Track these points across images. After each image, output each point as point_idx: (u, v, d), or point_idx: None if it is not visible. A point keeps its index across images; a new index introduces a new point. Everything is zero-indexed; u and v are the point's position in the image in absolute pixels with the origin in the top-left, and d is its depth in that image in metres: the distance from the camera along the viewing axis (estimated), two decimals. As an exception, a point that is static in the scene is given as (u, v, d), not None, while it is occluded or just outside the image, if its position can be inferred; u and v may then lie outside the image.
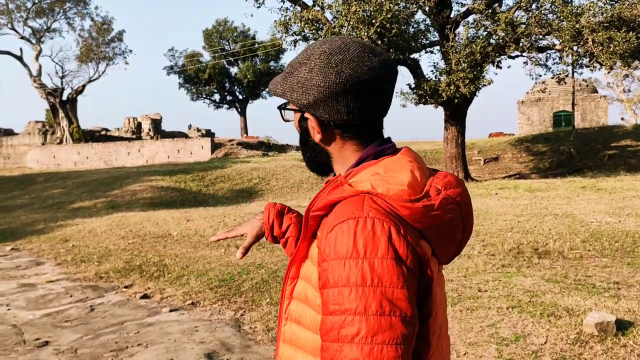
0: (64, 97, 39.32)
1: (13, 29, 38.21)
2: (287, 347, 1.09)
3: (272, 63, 51.37)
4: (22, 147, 39.35)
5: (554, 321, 4.10)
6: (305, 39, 15.64)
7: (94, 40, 40.46)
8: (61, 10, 39.36)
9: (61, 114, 38.68)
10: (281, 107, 1.15)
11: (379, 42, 14.76)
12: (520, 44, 15.47)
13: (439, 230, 1.00)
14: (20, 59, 38.41)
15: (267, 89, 51.93)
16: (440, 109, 17.12)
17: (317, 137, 1.10)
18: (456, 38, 15.76)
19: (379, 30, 14.25)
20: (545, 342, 3.76)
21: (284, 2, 17.13)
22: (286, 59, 52.96)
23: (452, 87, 14.90)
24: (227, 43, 51.50)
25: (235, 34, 51.07)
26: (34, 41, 39.02)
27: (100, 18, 40.76)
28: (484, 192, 13.94)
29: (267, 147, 38.91)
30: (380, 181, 0.98)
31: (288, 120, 1.16)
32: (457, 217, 1.03)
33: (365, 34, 14.08)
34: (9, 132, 42.34)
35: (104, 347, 4.45)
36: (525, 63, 17.11)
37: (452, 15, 16.61)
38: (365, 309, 0.89)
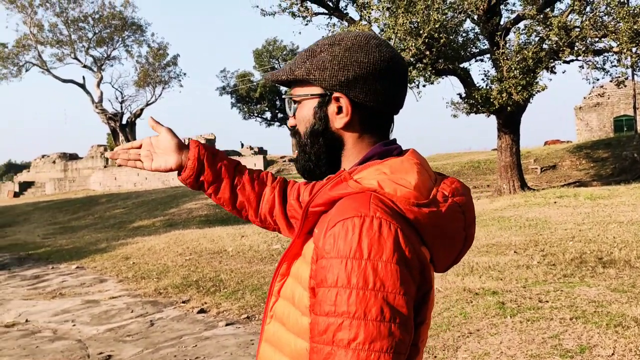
0: (124, 121, 41.05)
1: (76, 58, 40.34)
2: (267, 346, 1.05)
3: (320, 79, 51.86)
4: (86, 170, 41.25)
5: (621, 332, 3.89)
6: (353, 53, 15.76)
7: (151, 65, 42.13)
8: (120, 39, 41.29)
9: (121, 137, 40.35)
10: (287, 97, 1.09)
11: (427, 52, 14.65)
12: (575, 48, 14.97)
13: (442, 237, 0.95)
14: (83, 86, 40.46)
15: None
16: (493, 117, 16.75)
17: (340, 122, 1.03)
18: (507, 45, 15.44)
19: (426, 40, 14.15)
20: (613, 354, 3.57)
21: (331, 18, 17.32)
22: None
23: (504, 95, 14.55)
24: (276, 62, 52.44)
25: (284, 53, 51.96)
26: (95, 69, 41.04)
27: (156, 44, 42.47)
28: (542, 201, 13.47)
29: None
30: (387, 181, 0.94)
31: (293, 111, 1.10)
32: (460, 226, 0.99)
33: (414, 44, 14.01)
34: (73, 157, 44.54)
35: (163, 360, 4.56)
36: (581, 67, 16.51)
37: (501, 23, 16.29)
38: (365, 313, 0.84)
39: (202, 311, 6.20)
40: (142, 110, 42.07)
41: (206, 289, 7.13)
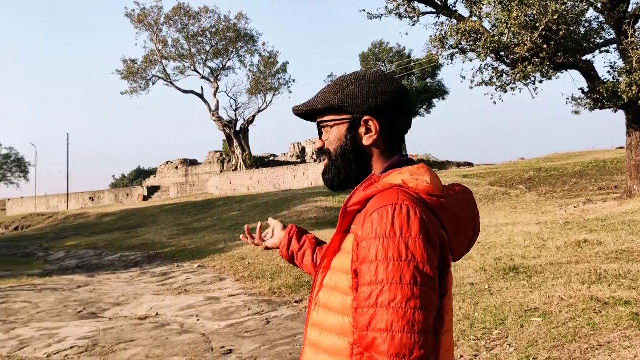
0: (238, 128, 43.14)
1: (195, 70, 43.14)
2: (314, 330, 1.23)
3: (428, 80, 50.93)
4: (204, 175, 43.89)
5: None
6: (463, 51, 15.23)
7: (262, 73, 43.91)
8: (234, 50, 43.52)
9: (235, 143, 42.45)
10: (321, 122, 1.32)
11: (545, 46, 13.83)
12: None
13: (455, 223, 1.18)
14: (201, 96, 43.15)
15: (424, 107, 51.59)
16: (621, 113, 15.41)
17: (369, 140, 1.26)
18: (636, 33, 14.14)
19: (544, 33, 13.36)
20: None
21: (439, 16, 16.94)
22: (443, 74, 52.02)
23: (634, 88, 13.32)
24: (383, 64, 52.31)
25: (390, 55, 51.72)
26: (212, 79, 43.58)
27: (267, 53, 44.19)
28: (682, 203, 12.15)
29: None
30: (410, 178, 1.18)
31: (322, 134, 1.33)
32: (468, 215, 1.24)
33: (529, 39, 13.29)
34: (193, 163, 47.61)
35: (280, 357, 4.72)
36: None
37: (629, 10, 14.94)
38: (401, 279, 1.04)
39: (315, 311, 6.34)
40: (254, 116, 43.96)
41: (318, 290, 7.29)
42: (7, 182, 76.13)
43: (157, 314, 6.91)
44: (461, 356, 4.26)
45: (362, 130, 1.26)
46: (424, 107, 52.09)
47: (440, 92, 51.28)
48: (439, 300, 1.11)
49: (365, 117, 1.25)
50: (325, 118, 1.31)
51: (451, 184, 1.29)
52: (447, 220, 1.16)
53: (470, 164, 41.41)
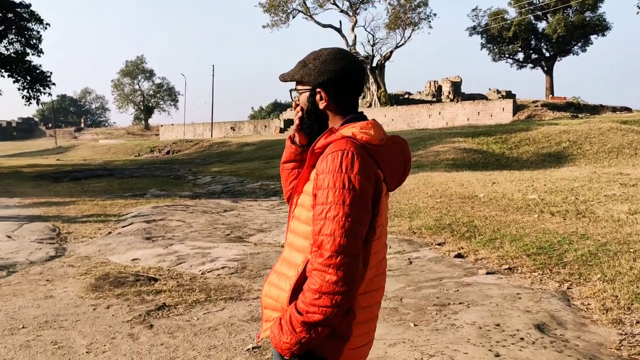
0: (374, 64, 42.40)
1: (334, 3, 42.64)
2: (290, 234, 1.68)
3: (587, 14, 45.53)
4: (338, 111, 44.18)
5: None
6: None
7: (402, 7, 42.21)
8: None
9: (371, 79, 41.89)
10: (292, 90, 1.77)
11: None
12: None
13: (389, 164, 1.63)
14: (339, 30, 42.79)
15: (579, 44, 46.59)
16: None
17: (322, 105, 1.69)
18: None
19: None
20: None
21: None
22: (605, 7, 46.16)
23: None
24: (535, -4, 47.64)
25: (545, -15, 46.80)
26: (350, 13, 42.88)
27: (409, -16, 42.18)
28: None
29: (576, 109, 35.07)
30: (358, 132, 1.59)
31: (296, 98, 1.75)
32: (400, 159, 1.69)
33: None
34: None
35: (426, 299, 4.57)
36: None
37: None
38: (344, 201, 1.48)
39: (459, 256, 6.08)
40: (391, 52, 42.82)
41: (460, 234, 6.97)
42: (160, 109, 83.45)
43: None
44: (638, 322, 3.79)
45: (318, 97, 1.68)
46: (579, 44, 47.00)
47: (600, 27, 45.70)
48: (373, 218, 1.56)
49: (318, 89, 1.68)
50: (298, 87, 1.74)
51: (394, 135, 1.71)
52: (382, 162, 1.60)
53: (628, 109, 37.05)
